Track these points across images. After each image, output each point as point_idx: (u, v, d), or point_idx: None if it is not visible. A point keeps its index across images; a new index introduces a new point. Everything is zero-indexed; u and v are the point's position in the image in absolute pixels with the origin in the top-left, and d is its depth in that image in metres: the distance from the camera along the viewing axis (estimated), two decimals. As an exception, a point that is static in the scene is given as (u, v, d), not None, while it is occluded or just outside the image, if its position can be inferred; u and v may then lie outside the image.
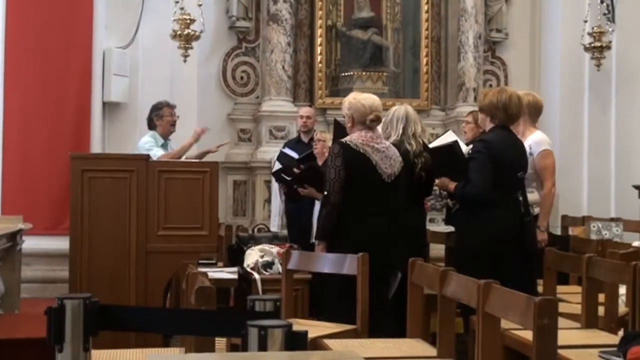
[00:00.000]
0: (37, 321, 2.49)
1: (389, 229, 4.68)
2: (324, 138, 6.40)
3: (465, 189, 4.66)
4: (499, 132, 4.69)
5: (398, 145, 5.09)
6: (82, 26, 7.16)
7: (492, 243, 4.54)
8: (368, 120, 4.71)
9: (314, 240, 5.29)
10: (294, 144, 7.10)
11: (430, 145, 5.25)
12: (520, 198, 4.68)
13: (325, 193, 4.67)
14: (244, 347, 1.55)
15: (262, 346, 1.51)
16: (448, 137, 5.20)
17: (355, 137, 4.69)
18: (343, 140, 4.75)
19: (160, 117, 6.67)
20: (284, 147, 6.89)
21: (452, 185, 4.78)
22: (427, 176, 5.18)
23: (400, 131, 5.19)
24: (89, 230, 4.97)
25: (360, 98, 4.78)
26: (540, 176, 5.23)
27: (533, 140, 5.23)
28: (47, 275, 6.74)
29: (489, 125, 4.76)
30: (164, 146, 6.68)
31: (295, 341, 1.53)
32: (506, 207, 4.61)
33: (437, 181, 5.08)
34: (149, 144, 6.49)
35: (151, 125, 6.76)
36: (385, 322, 4.52)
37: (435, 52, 9.11)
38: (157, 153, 6.34)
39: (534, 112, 5.42)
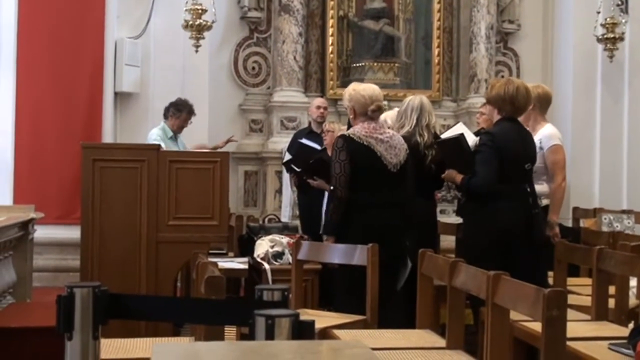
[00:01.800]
0: (48, 310, 2.50)
1: (398, 219, 4.67)
2: (332, 129, 6.38)
3: (470, 182, 4.65)
4: (505, 124, 4.67)
5: (409, 137, 5.07)
6: (94, 16, 7.18)
7: (500, 234, 4.53)
8: (369, 111, 4.69)
9: (321, 233, 5.29)
10: (307, 134, 7.07)
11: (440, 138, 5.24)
12: (528, 190, 4.67)
13: (332, 187, 4.67)
14: (251, 336, 1.56)
15: (269, 335, 1.52)
16: (458, 129, 5.19)
17: (358, 129, 4.67)
18: (346, 133, 4.74)
19: (176, 117, 6.74)
20: (300, 138, 6.84)
21: (458, 177, 4.77)
22: (437, 168, 5.17)
23: (414, 122, 5.18)
24: (100, 219, 4.98)
25: (360, 89, 4.75)
26: (551, 170, 5.22)
27: (543, 134, 5.21)
28: (59, 264, 6.78)
29: (496, 117, 4.74)
30: (173, 139, 6.71)
31: (302, 330, 1.54)
32: (513, 198, 4.60)
33: (444, 174, 5.06)
34: (154, 137, 6.52)
35: (165, 115, 6.81)
36: (395, 313, 4.52)
37: (447, 43, 9.09)
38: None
39: (544, 104, 5.40)
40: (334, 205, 4.65)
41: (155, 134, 6.63)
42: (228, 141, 7.17)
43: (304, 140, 6.58)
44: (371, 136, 4.64)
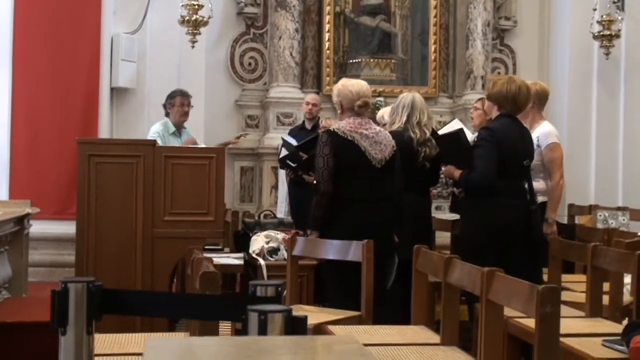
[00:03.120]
0: (44, 305, 2.50)
1: (383, 215, 4.65)
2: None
3: (470, 176, 4.66)
4: (504, 121, 4.69)
5: (402, 133, 5.08)
6: (91, 12, 7.17)
7: (498, 231, 4.54)
8: (356, 107, 4.69)
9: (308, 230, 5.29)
10: (297, 131, 7.12)
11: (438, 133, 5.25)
12: (526, 186, 4.68)
13: (315, 182, 4.68)
14: (245, 332, 1.56)
15: (263, 331, 1.53)
16: (454, 126, 5.20)
17: (343, 125, 4.68)
18: (331, 128, 4.75)
19: (172, 106, 6.67)
20: (291, 134, 6.90)
21: (457, 173, 4.78)
22: (432, 165, 5.18)
23: (405, 119, 5.18)
24: (96, 215, 4.99)
25: (348, 85, 4.77)
26: (549, 169, 5.23)
27: (541, 132, 5.22)
28: (55, 260, 6.77)
29: (495, 114, 4.76)
30: (175, 134, 6.67)
31: (296, 326, 1.55)
32: (512, 195, 4.61)
33: (443, 169, 5.08)
34: (155, 135, 6.48)
35: (166, 112, 6.77)
36: (389, 310, 4.53)
37: (444, 40, 9.10)
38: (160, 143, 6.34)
39: (543, 101, 5.43)
40: (317, 199, 4.65)
41: (156, 129, 6.58)
42: (239, 137, 7.16)
43: (286, 136, 6.63)
44: (356, 131, 4.64)
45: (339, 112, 4.82)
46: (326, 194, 4.59)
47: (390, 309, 4.57)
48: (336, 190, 4.59)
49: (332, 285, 4.67)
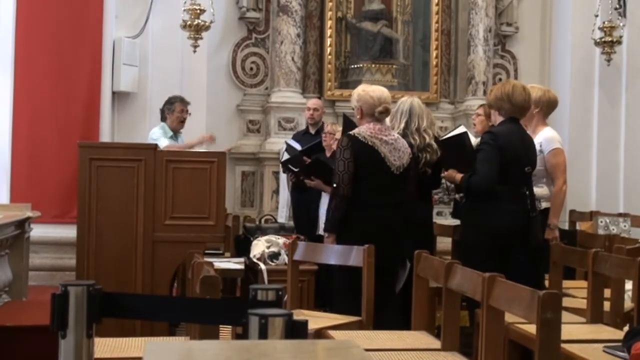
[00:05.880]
0: (44, 308, 2.50)
1: (398, 220, 4.69)
2: (333, 131, 6.40)
3: (471, 180, 4.66)
4: (507, 126, 4.68)
5: (402, 137, 5.08)
6: (93, 16, 7.17)
7: (497, 236, 4.54)
8: (377, 112, 4.71)
9: (322, 232, 5.29)
10: (301, 135, 7.14)
11: (441, 138, 5.24)
12: (527, 192, 4.67)
13: (335, 185, 4.69)
14: (245, 336, 1.56)
15: (263, 334, 1.52)
16: (459, 131, 5.19)
17: (363, 130, 4.70)
18: (351, 132, 4.76)
19: (171, 112, 6.71)
20: (295, 139, 6.90)
21: (459, 176, 4.78)
22: (433, 170, 5.18)
23: (403, 125, 5.19)
24: (97, 218, 4.99)
25: (369, 90, 4.79)
26: (552, 174, 5.22)
27: (544, 137, 5.21)
28: (55, 263, 6.77)
29: (498, 120, 4.76)
30: (173, 138, 6.69)
31: (296, 330, 1.55)
32: (512, 201, 4.60)
33: (444, 173, 5.07)
34: (156, 134, 6.53)
35: (162, 117, 6.79)
36: (393, 314, 4.53)
37: (445, 45, 9.09)
38: (162, 143, 6.37)
39: (550, 109, 5.40)
40: (336, 202, 4.67)
41: (154, 132, 6.62)
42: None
43: (289, 141, 6.64)
44: (376, 137, 4.67)
45: (357, 117, 4.83)
46: (345, 197, 4.61)
47: (396, 313, 4.56)
48: (354, 193, 4.60)
49: (342, 291, 4.65)
